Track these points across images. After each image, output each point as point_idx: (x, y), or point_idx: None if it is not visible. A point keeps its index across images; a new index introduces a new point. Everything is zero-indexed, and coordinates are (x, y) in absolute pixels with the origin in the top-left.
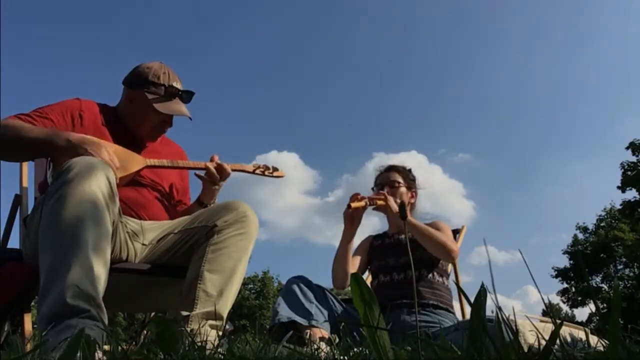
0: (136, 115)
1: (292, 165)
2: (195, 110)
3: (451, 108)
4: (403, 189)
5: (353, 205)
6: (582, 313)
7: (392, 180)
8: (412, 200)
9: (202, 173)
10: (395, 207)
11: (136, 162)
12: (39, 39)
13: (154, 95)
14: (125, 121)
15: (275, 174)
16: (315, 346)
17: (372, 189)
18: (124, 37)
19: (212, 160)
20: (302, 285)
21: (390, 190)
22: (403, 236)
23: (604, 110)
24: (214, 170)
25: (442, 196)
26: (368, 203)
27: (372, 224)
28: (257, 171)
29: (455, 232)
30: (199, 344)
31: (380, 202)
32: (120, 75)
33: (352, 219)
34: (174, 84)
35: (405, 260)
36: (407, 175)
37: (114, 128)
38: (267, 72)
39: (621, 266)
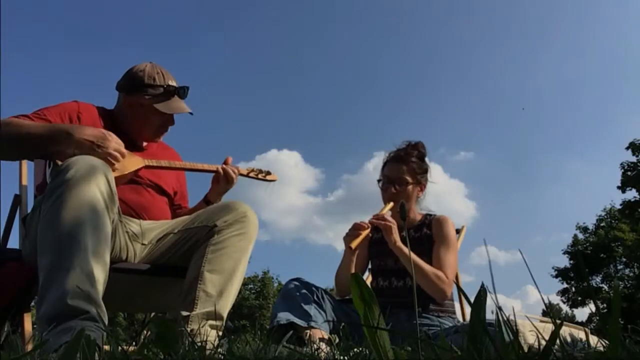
0: (138, 120)
1: (293, 164)
2: (195, 109)
3: (452, 107)
4: (410, 187)
5: (354, 245)
6: (582, 313)
7: (401, 177)
8: (420, 195)
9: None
10: (395, 240)
11: (134, 162)
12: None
13: (152, 97)
14: (126, 126)
15: (268, 177)
16: (316, 346)
17: (378, 181)
18: (123, 35)
19: (226, 162)
20: (300, 286)
21: (397, 188)
22: (403, 233)
23: (604, 110)
24: (230, 171)
25: (443, 196)
26: (370, 232)
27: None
28: (251, 174)
29: (456, 232)
30: (199, 344)
31: (382, 227)
32: (118, 72)
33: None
34: (170, 83)
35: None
36: (419, 168)
37: (112, 131)
38: (267, 70)
39: (621, 266)
